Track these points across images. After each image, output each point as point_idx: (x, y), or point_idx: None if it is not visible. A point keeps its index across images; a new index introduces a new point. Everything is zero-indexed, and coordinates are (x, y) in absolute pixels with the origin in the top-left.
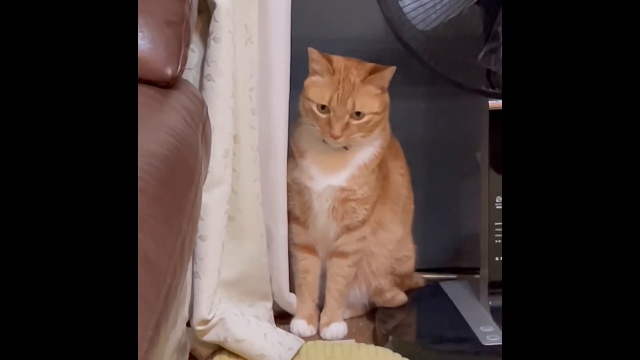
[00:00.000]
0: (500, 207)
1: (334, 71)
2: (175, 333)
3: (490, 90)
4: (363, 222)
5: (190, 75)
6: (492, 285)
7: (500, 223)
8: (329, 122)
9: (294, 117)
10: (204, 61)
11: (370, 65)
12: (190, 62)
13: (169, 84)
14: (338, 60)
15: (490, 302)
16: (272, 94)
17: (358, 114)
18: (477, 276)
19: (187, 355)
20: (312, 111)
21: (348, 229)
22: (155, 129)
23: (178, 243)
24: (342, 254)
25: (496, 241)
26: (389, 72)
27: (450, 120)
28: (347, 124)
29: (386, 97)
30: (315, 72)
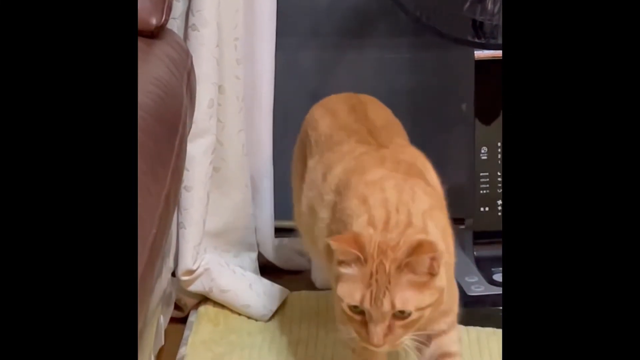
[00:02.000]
0: (486, 157)
1: (365, 260)
2: (161, 283)
3: (476, 40)
4: (453, 324)
5: (175, 24)
6: (477, 235)
7: (487, 173)
8: (365, 326)
9: (280, 67)
10: (188, 10)
11: (412, 240)
12: (175, 11)
13: (153, 34)
14: (371, 242)
15: (475, 253)
16: (258, 44)
17: (402, 311)
18: (462, 227)
19: (172, 306)
20: (343, 311)
21: (438, 335)
22: (140, 79)
23: (163, 193)
24: (447, 355)
25: (482, 192)
26: (429, 257)
27: (436, 71)
28: (390, 327)
29: (438, 280)
30: (342, 262)
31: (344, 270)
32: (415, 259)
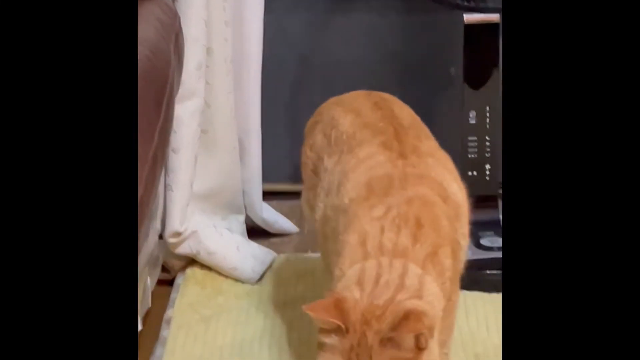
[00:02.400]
0: (474, 121)
1: (347, 330)
2: (148, 246)
3: (466, 3)
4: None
5: None
6: None
7: (475, 138)
8: None
9: (269, 29)
10: None
11: (398, 311)
12: None
13: None
14: (355, 309)
15: None
16: (246, 6)
17: None
18: None
19: (159, 268)
20: None
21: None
22: None
23: (150, 154)
24: None
25: (470, 156)
26: (414, 335)
27: (425, 35)
28: None
29: (426, 355)
30: (323, 330)
31: (324, 338)
32: (399, 335)
